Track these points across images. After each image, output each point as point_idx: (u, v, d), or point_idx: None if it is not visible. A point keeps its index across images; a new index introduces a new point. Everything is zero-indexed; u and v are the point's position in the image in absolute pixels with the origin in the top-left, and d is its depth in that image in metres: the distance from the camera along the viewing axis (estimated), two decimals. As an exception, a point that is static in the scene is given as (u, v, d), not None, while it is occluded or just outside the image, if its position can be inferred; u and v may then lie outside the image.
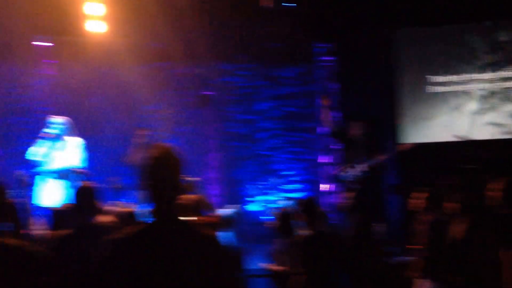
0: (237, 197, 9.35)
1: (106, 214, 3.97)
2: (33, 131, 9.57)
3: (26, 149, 9.49)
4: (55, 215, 4.24)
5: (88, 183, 3.82)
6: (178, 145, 9.35)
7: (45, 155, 7.08)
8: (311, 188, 9.74)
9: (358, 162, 7.74)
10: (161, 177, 2.25)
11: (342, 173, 7.79)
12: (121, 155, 9.09)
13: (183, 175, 2.29)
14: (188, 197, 4.33)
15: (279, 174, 9.88)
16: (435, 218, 4.61)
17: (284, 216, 4.94)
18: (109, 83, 9.31)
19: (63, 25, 8.43)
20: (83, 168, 7.29)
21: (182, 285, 2.10)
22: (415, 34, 9.44)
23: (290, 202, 5.63)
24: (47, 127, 7.14)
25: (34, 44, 8.96)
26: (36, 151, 7.07)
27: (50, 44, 9.04)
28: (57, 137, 7.09)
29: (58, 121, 7.15)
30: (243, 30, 9.07)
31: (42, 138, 7.09)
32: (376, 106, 9.01)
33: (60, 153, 7.19)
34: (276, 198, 6.72)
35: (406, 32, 9.46)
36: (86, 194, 3.69)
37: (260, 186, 9.67)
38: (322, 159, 9.23)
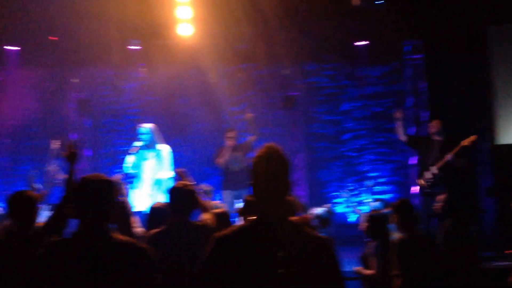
0: (322, 198, 9.29)
1: (204, 213, 4.06)
2: (124, 133, 10.04)
3: (117, 150, 9.99)
4: (151, 214, 4.39)
5: (182, 183, 3.91)
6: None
7: (137, 164, 7.33)
8: (398, 190, 9.51)
9: (433, 164, 7.42)
10: (268, 176, 2.23)
11: (422, 177, 7.53)
12: (207, 156, 9.30)
13: (290, 176, 2.27)
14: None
15: (365, 175, 9.69)
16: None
17: (375, 218, 4.82)
18: (195, 85, 9.51)
19: (154, 29, 8.71)
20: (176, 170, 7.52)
21: (289, 285, 2.09)
22: (510, 30, 8.94)
23: (380, 204, 5.48)
24: (138, 136, 7.40)
25: (127, 48, 9.33)
26: (130, 163, 7.34)
27: (141, 48, 9.38)
28: (147, 145, 7.32)
29: (146, 129, 7.38)
30: (328, 29, 8.95)
31: (134, 147, 7.36)
32: (467, 105, 8.61)
33: (151, 160, 7.43)
34: (363, 200, 6.59)
35: (501, 28, 8.97)
36: (180, 193, 3.78)
37: (348, 188, 9.54)
38: (413, 160, 8.96)
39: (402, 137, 7.73)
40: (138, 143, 7.32)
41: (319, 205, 5.39)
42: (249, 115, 7.87)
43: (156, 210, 4.33)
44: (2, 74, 9.58)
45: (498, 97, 8.86)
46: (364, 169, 9.81)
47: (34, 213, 3.71)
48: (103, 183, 2.61)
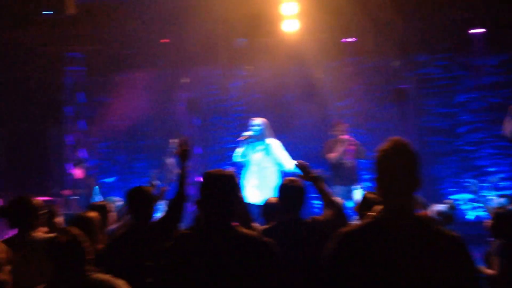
0: (437, 195, 8.92)
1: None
2: (231, 130, 10.29)
3: (225, 147, 10.25)
4: (263, 209, 4.42)
5: (289, 179, 3.89)
6: (372, 142, 9.24)
7: (246, 155, 7.48)
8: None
9: None
10: (396, 171, 2.18)
11: None
12: (313, 152, 9.26)
13: (419, 171, 2.20)
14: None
15: (483, 170, 9.22)
16: None
17: (500, 215, 4.52)
18: (301, 81, 9.52)
19: (259, 27, 8.81)
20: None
21: (418, 283, 2.05)
22: None
23: (505, 200, 5.12)
24: (248, 129, 7.52)
25: (233, 47, 9.52)
26: (239, 152, 7.50)
27: (247, 46, 9.51)
28: (257, 138, 7.44)
29: (257, 122, 7.49)
30: (440, 17, 8.61)
31: (244, 139, 7.49)
32: None
33: (260, 153, 7.52)
34: (486, 196, 6.22)
35: None
36: (289, 190, 3.76)
37: (467, 184, 9.11)
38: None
39: (509, 134, 7.17)
40: (248, 134, 7.44)
41: (433, 202, 5.14)
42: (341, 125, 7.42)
43: (269, 206, 4.34)
44: (116, 77, 10.16)
45: None
46: (482, 164, 9.35)
47: (151, 207, 3.85)
48: (227, 178, 2.67)
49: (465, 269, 2.11)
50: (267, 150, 7.49)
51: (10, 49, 8.99)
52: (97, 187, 8.90)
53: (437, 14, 8.51)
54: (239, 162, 7.52)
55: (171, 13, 8.41)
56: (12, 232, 3.73)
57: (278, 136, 9.46)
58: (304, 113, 9.84)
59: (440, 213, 4.83)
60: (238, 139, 7.53)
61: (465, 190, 8.98)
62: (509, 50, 9.24)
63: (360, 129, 9.63)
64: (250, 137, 7.34)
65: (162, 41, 9.42)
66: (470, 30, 8.99)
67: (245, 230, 2.64)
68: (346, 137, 8.07)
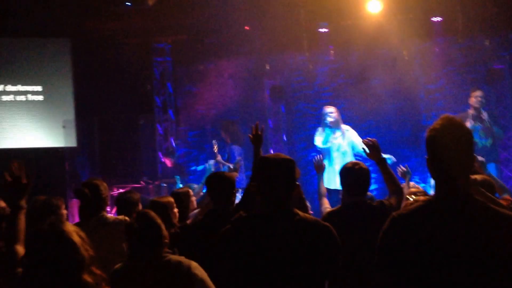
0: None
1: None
2: (317, 117, 10.38)
3: (311, 134, 10.38)
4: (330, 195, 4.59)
5: (353, 162, 3.98)
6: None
7: (327, 142, 7.78)
8: None
9: None
10: (450, 151, 2.15)
11: None
12: (404, 137, 9.17)
13: (473, 152, 2.18)
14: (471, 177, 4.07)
15: None
16: None
17: None
18: (388, 64, 9.44)
19: (342, 10, 8.81)
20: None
21: (479, 267, 2.05)
22: None
23: None
24: (325, 117, 7.92)
25: (316, 32, 9.59)
26: (320, 139, 7.90)
27: (330, 30, 9.55)
28: (334, 125, 7.75)
29: (331, 110, 7.93)
30: None
31: (322, 126, 7.92)
32: None
33: (339, 139, 7.80)
34: None
35: None
36: (352, 174, 3.82)
37: None
38: None
39: None
40: (328, 119, 7.86)
41: None
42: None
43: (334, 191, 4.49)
44: (203, 66, 10.56)
45: None
46: None
47: (231, 193, 3.97)
48: (284, 162, 2.69)
49: None
50: (344, 136, 7.74)
51: (98, 40, 9.55)
52: (178, 176, 9.35)
53: None
54: (320, 149, 7.79)
55: (253, 0, 8.65)
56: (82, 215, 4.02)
57: (366, 121, 9.49)
58: (392, 97, 9.73)
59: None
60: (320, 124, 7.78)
61: None
62: None
63: (452, 112, 9.39)
64: (329, 124, 7.72)
65: (245, 28, 9.64)
66: None
67: (304, 215, 2.68)
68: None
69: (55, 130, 8.94)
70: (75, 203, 8.04)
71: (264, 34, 9.65)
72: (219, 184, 3.96)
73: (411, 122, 8.95)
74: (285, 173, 2.67)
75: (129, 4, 8.79)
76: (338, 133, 7.94)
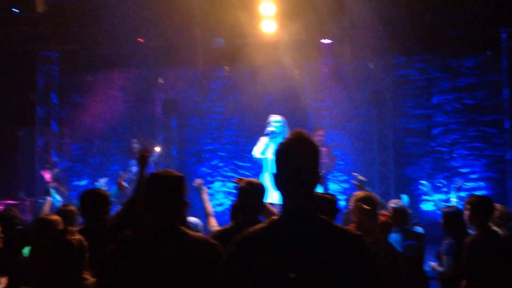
0: (411, 195, 9.52)
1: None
2: (209, 132, 10.77)
3: (202, 149, 10.71)
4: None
5: (252, 181, 3.95)
6: (349, 143, 9.82)
7: (265, 153, 7.66)
8: (493, 187, 9.58)
9: None
10: (292, 166, 2.11)
11: None
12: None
13: (318, 167, 2.14)
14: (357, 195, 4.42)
15: (457, 171, 9.81)
16: None
17: (452, 215, 4.90)
18: (280, 82, 9.89)
19: (237, 28, 9.09)
20: None
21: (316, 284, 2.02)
22: None
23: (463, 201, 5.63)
24: (268, 126, 7.65)
25: (211, 48, 9.92)
26: (259, 149, 7.59)
27: (225, 46, 9.90)
28: (277, 136, 7.53)
29: (277, 119, 7.67)
30: (416, 19, 9.09)
31: (265, 135, 7.61)
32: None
33: None
34: (452, 197, 6.73)
35: None
36: (248, 191, 3.81)
37: (438, 184, 9.66)
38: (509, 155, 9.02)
39: None
40: (270, 129, 7.55)
41: (408, 203, 5.62)
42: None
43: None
44: (91, 77, 10.55)
45: None
46: (455, 164, 9.93)
47: (105, 210, 3.95)
48: (175, 179, 2.68)
49: (364, 269, 2.06)
50: None
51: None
52: (53, 190, 9.06)
53: (414, 17, 8.98)
54: (257, 159, 7.67)
55: (147, 12, 8.77)
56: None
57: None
58: (283, 114, 10.20)
59: (396, 210, 5.27)
60: (260, 138, 7.62)
61: (438, 190, 9.52)
62: (485, 51, 9.82)
63: (337, 130, 10.25)
64: (271, 133, 7.44)
65: (139, 40, 9.73)
66: (445, 32, 9.52)
67: (192, 233, 2.68)
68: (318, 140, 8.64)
69: None
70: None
71: (157, 47, 9.85)
72: (92, 201, 3.96)
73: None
74: (173, 191, 2.66)
75: (17, 10, 8.65)
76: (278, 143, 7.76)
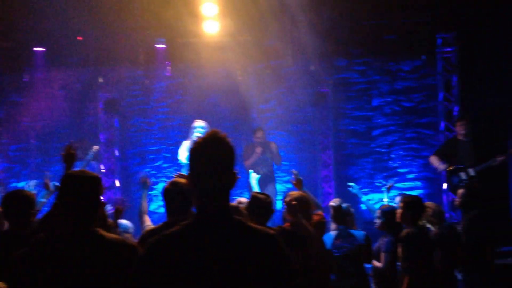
0: (352, 195, 9.79)
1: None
2: (153, 133, 10.72)
3: (145, 150, 10.66)
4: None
5: (176, 182, 3.90)
6: (292, 144, 10.00)
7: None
8: (429, 186, 9.96)
9: (466, 165, 7.89)
10: (206, 167, 2.09)
11: (451, 176, 8.05)
12: (236, 155, 9.83)
13: (233, 168, 2.12)
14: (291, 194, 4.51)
15: (395, 171, 10.15)
16: None
17: (388, 213, 5.20)
18: (223, 83, 10.03)
19: (179, 27, 9.13)
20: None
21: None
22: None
23: (398, 199, 5.88)
24: (193, 131, 7.88)
25: (153, 47, 9.88)
26: (184, 153, 7.81)
27: (167, 46, 9.88)
28: None
29: (202, 125, 7.90)
30: (357, 23, 9.36)
31: (189, 140, 7.82)
32: (502, 99, 8.95)
33: None
34: (384, 197, 7.01)
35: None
36: (172, 192, 3.82)
37: (377, 184, 9.94)
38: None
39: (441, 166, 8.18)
40: (194, 135, 7.72)
41: (347, 202, 5.79)
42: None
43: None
44: (29, 75, 10.33)
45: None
46: (394, 165, 10.28)
47: (29, 213, 3.81)
48: (89, 180, 2.65)
49: (278, 267, 2.07)
50: None
51: None
52: None
53: (354, 21, 9.28)
54: (182, 163, 7.85)
55: (87, 10, 8.67)
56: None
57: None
58: (227, 116, 10.38)
59: (335, 210, 5.47)
60: (183, 143, 7.80)
61: (378, 190, 9.82)
62: (421, 56, 10.17)
63: (281, 131, 10.41)
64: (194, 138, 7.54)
65: (78, 38, 9.58)
66: (384, 36, 9.77)
67: (108, 235, 2.64)
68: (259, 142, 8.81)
69: None
70: None
71: (98, 46, 9.70)
72: (14, 203, 3.83)
73: (245, 141, 9.58)
74: (88, 192, 2.64)
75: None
76: None
